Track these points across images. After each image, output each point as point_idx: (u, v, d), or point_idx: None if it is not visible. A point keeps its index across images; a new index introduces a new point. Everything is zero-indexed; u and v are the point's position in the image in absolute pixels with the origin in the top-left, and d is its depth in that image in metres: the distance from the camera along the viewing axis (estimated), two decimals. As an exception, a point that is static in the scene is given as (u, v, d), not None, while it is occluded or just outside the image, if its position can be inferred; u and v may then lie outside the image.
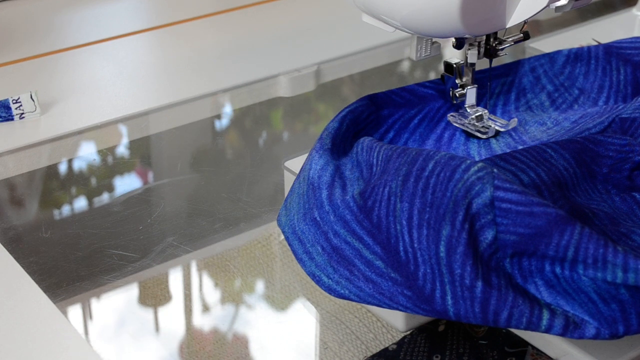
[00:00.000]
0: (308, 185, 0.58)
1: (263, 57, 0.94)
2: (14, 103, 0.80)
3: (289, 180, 0.68)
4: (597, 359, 0.52)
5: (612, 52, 0.72)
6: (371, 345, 0.57)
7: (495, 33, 0.65)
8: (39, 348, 0.53)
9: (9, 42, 0.96)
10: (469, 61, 0.66)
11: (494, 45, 0.66)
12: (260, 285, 0.63)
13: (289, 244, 0.56)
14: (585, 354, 0.53)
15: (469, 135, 0.68)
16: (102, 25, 1.02)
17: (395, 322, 0.58)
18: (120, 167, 0.77)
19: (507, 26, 0.61)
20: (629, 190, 0.59)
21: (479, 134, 0.67)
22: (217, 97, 0.87)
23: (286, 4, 1.08)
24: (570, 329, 0.48)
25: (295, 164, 0.68)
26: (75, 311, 0.60)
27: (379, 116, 0.66)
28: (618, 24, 1.00)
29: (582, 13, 1.06)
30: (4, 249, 0.63)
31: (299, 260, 0.55)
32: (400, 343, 0.56)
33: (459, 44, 0.65)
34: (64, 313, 0.59)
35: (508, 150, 0.66)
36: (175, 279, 0.64)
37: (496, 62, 0.68)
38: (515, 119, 0.67)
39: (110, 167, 0.77)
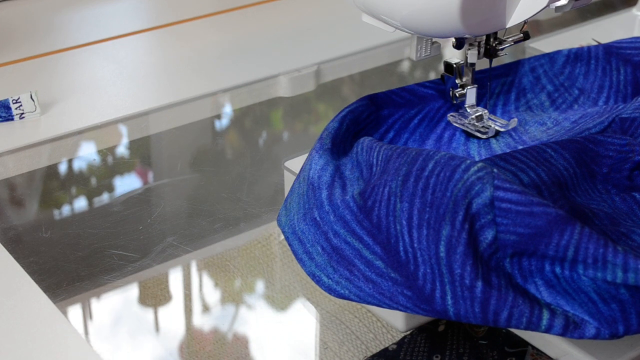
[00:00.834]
0: (308, 185, 0.58)
1: (263, 57, 0.94)
2: (14, 103, 0.80)
3: (289, 180, 0.68)
4: (597, 359, 0.52)
5: (612, 52, 0.72)
6: (371, 345, 0.57)
7: (495, 33, 0.65)
8: (39, 348, 0.53)
9: (9, 42, 0.96)
10: (469, 61, 0.66)
11: (494, 45, 0.66)
12: (260, 285, 0.63)
13: (289, 244, 0.56)
14: (585, 354, 0.53)
15: (469, 135, 0.68)
16: (102, 25, 1.02)
17: (395, 322, 0.58)
18: (120, 167, 0.77)
19: (507, 26, 0.61)
20: (629, 190, 0.59)
21: (479, 134, 0.67)
22: (217, 97, 0.87)
23: (286, 4, 1.08)
24: (570, 329, 0.48)
25: (295, 164, 0.67)
26: (75, 311, 0.60)
27: (379, 116, 0.66)
28: (618, 24, 1.00)
29: (582, 13, 1.06)
30: (4, 249, 0.63)
31: (299, 260, 0.55)
32: (400, 343, 0.56)
33: (459, 44, 0.65)
34: (64, 313, 0.59)
35: (508, 150, 0.66)
36: (175, 279, 0.64)
37: (496, 62, 0.68)
38: (515, 119, 0.67)
39: (110, 167, 0.77)
